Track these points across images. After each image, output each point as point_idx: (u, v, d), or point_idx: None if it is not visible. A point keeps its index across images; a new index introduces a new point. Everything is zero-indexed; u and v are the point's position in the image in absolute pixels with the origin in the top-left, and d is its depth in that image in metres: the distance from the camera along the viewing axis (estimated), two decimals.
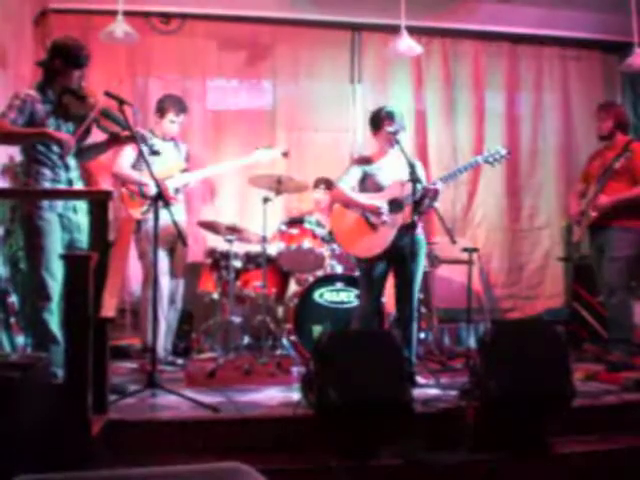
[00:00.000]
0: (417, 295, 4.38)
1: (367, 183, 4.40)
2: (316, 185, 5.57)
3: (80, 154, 3.90)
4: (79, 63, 3.78)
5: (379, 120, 4.38)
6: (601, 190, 4.77)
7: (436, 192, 4.20)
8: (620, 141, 4.86)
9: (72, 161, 3.82)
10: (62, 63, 3.75)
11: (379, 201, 4.29)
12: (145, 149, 3.88)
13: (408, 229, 4.19)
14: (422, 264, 4.39)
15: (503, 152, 4.39)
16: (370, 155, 4.52)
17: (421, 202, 4.20)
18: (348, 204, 4.40)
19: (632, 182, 4.72)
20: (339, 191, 4.40)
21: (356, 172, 4.42)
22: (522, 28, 6.32)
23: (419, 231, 4.32)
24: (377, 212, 4.27)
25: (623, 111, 5.16)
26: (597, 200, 4.77)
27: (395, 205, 4.29)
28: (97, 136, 4.01)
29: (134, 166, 4.75)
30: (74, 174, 3.84)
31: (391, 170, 4.39)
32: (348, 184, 4.39)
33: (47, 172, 3.73)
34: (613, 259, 4.77)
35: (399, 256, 4.27)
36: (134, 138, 3.80)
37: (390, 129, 4.29)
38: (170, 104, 4.89)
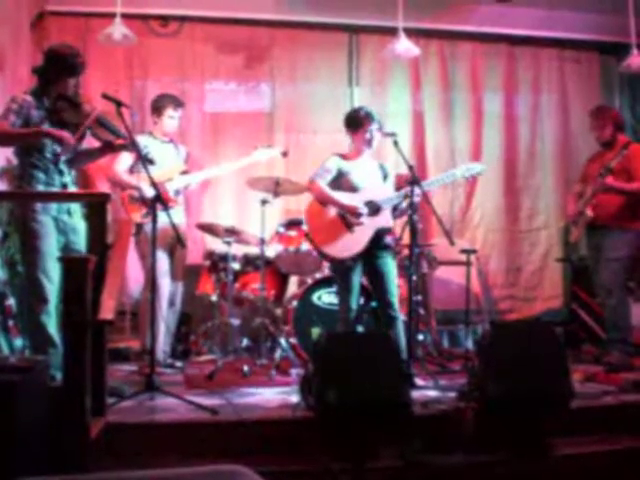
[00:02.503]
0: (396, 291, 4.36)
1: (341, 181, 4.39)
2: None
3: (74, 160, 3.89)
4: (74, 71, 3.78)
5: (359, 120, 4.39)
6: (600, 191, 4.78)
7: (421, 196, 4.24)
8: (620, 142, 4.87)
9: (65, 166, 3.83)
10: (57, 71, 3.74)
11: (358, 202, 4.30)
12: (141, 155, 3.89)
13: (384, 232, 4.30)
14: (393, 261, 4.41)
15: (478, 169, 4.49)
16: (347, 154, 4.52)
17: (397, 207, 4.36)
18: (326, 202, 4.37)
19: (628, 180, 4.74)
20: (318, 187, 4.36)
21: (332, 167, 4.39)
22: (520, 29, 6.33)
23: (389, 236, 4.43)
24: (356, 213, 4.28)
25: (616, 112, 5.22)
26: (603, 181, 4.75)
27: (371, 207, 4.30)
28: (91, 143, 4.02)
29: (132, 169, 4.76)
30: (68, 178, 3.84)
31: (364, 171, 4.42)
32: (325, 180, 4.38)
33: (41, 176, 3.73)
34: (610, 260, 4.78)
35: (372, 256, 4.30)
36: (128, 146, 3.81)
37: (371, 129, 4.34)
38: (166, 101, 4.93)
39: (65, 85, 3.77)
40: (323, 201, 4.38)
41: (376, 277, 4.35)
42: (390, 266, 4.35)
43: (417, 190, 4.17)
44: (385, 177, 4.51)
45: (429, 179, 4.72)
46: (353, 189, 4.36)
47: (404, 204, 4.29)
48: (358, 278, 4.35)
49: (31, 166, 3.73)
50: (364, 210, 4.28)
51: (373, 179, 4.43)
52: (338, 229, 4.31)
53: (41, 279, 3.61)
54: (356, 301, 4.36)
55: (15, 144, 3.87)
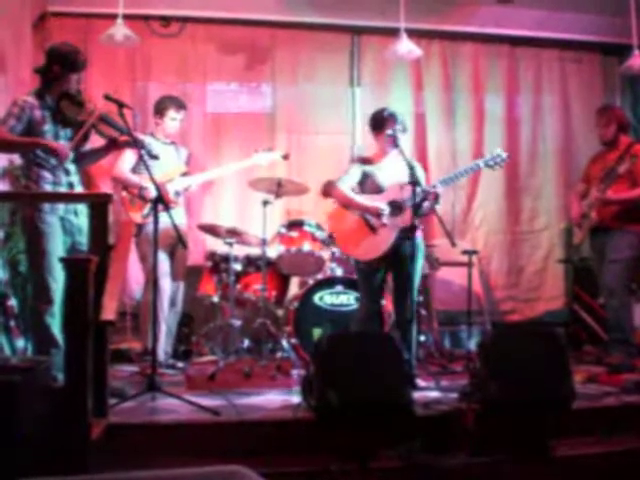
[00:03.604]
0: (416, 298, 4.37)
1: (367, 184, 4.40)
2: None
3: (79, 160, 3.92)
4: (76, 67, 3.82)
5: (382, 121, 4.39)
6: (604, 193, 4.78)
7: (436, 195, 4.21)
8: (623, 143, 4.86)
9: (71, 166, 3.85)
10: (60, 68, 3.79)
11: (379, 203, 4.30)
12: (144, 153, 3.91)
13: (408, 232, 4.19)
14: (420, 267, 4.39)
15: (504, 155, 4.40)
16: (370, 156, 4.53)
17: (421, 205, 4.22)
18: (348, 205, 4.38)
19: (631, 185, 4.73)
20: (339, 191, 4.39)
21: (356, 172, 4.42)
22: (521, 30, 6.32)
23: (418, 234, 4.31)
24: (378, 214, 4.27)
25: (622, 112, 5.18)
26: (603, 195, 4.75)
27: (395, 207, 4.29)
28: (96, 142, 4.03)
29: (134, 169, 4.77)
30: (74, 178, 3.88)
31: (391, 172, 4.39)
32: (348, 184, 4.39)
33: (48, 175, 3.75)
34: (613, 261, 4.78)
35: (398, 259, 4.27)
36: (132, 143, 3.83)
37: (391, 131, 4.30)
38: (169, 102, 4.95)
39: (68, 82, 3.80)
40: (344, 204, 4.39)
41: (400, 279, 4.32)
42: (415, 274, 4.21)
43: (421, 189, 4.15)
44: (413, 175, 4.20)
45: (453, 171, 4.55)
46: (379, 190, 4.36)
47: (427, 204, 4.23)
48: (380, 280, 4.34)
49: (37, 165, 3.75)
50: (385, 210, 4.26)
51: (400, 178, 4.30)
52: (361, 231, 4.32)
53: (47, 280, 3.62)
54: (377, 303, 4.37)
55: (12, 152, 3.90)
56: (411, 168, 4.14)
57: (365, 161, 4.48)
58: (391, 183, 4.35)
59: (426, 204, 4.27)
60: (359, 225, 4.35)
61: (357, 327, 4.36)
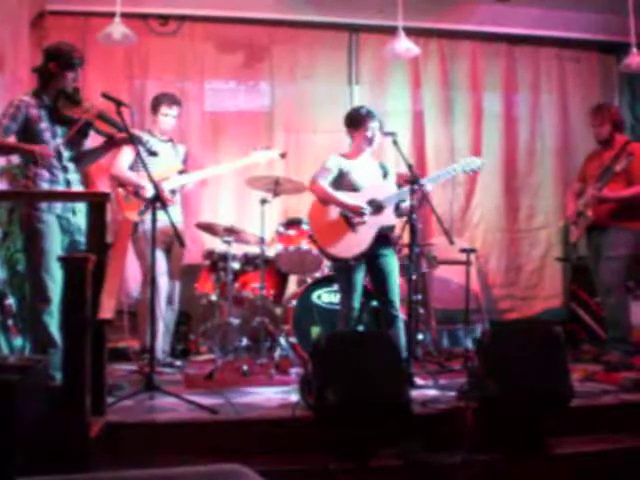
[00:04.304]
0: (398, 290, 4.36)
1: (342, 181, 4.39)
2: None
3: (79, 159, 3.92)
4: (72, 64, 3.84)
5: (360, 119, 4.39)
6: (600, 191, 4.78)
7: (423, 193, 4.25)
8: (618, 142, 4.87)
9: (69, 163, 3.85)
10: (56, 66, 3.81)
11: (360, 202, 4.30)
12: (142, 150, 3.91)
13: (386, 231, 4.30)
14: (395, 259, 4.42)
15: (478, 163, 4.46)
16: (346, 153, 4.52)
17: (399, 205, 4.36)
18: (329, 202, 4.37)
19: (627, 183, 4.74)
20: (320, 187, 4.36)
21: (333, 167, 4.39)
22: (519, 29, 6.33)
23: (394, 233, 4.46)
24: (359, 212, 4.28)
25: (617, 110, 5.19)
26: (599, 193, 4.76)
27: (374, 206, 4.30)
28: (95, 141, 4.03)
29: (132, 167, 4.76)
30: (72, 176, 3.87)
31: (365, 170, 4.43)
32: (327, 180, 4.38)
33: (45, 173, 3.75)
34: (610, 259, 4.79)
35: (375, 255, 4.30)
36: (130, 140, 3.83)
37: (370, 131, 4.35)
38: (161, 99, 4.97)
39: (64, 80, 3.82)
40: (325, 201, 4.38)
41: (379, 276, 4.35)
42: (393, 265, 4.36)
43: (418, 189, 4.18)
44: (385, 175, 4.51)
45: (429, 175, 4.70)
46: (354, 188, 4.36)
47: (406, 202, 4.28)
48: (360, 277, 4.35)
49: (35, 163, 3.74)
50: (367, 209, 4.28)
51: (374, 178, 4.44)
52: (341, 229, 4.32)
53: (45, 279, 3.62)
54: (358, 300, 4.36)
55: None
56: (410, 166, 4.18)
57: (343, 156, 4.48)
58: (369, 182, 4.38)
59: (405, 204, 4.33)
60: (339, 222, 4.33)
61: (344, 326, 4.33)
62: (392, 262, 4.36)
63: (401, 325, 4.27)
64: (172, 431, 3.30)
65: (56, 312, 3.61)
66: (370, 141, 4.39)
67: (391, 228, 4.41)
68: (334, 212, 4.36)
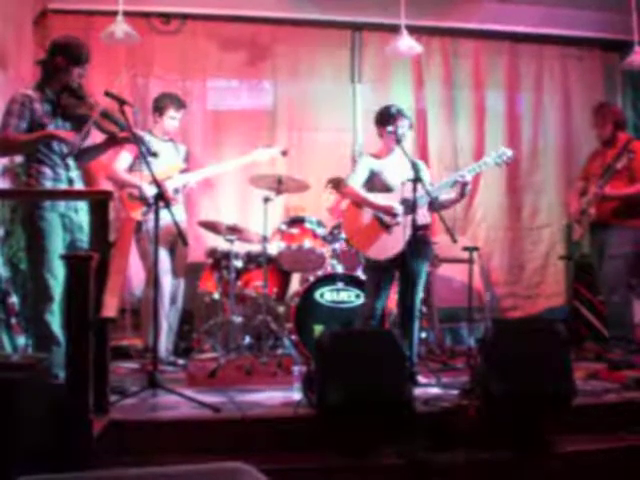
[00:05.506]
0: (420, 294, 4.38)
1: (374, 181, 4.38)
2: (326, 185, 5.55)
3: (79, 156, 3.90)
4: (80, 60, 3.78)
5: (390, 117, 4.36)
6: (602, 189, 4.78)
7: (464, 184, 4.22)
8: (621, 140, 4.86)
9: (71, 161, 3.83)
10: (64, 60, 3.74)
11: (393, 202, 4.28)
12: (143, 150, 3.89)
13: (420, 230, 4.22)
14: (427, 264, 4.41)
15: (509, 153, 4.41)
16: (376, 153, 4.51)
17: (434, 201, 4.24)
18: (362, 203, 4.36)
19: (630, 181, 4.73)
20: (352, 190, 4.36)
21: (364, 169, 4.39)
22: (522, 27, 6.32)
23: (428, 232, 4.38)
24: (392, 213, 4.26)
25: (619, 110, 5.19)
26: (601, 191, 4.76)
27: (407, 206, 4.24)
28: (96, 138, 4.03)
29: (132, 168, 4.77)
30: (75, 173, 3.85)
31: (397, 169, 4.37)
32: (358, 182, 4.37)
33: (48, 171, 3.73)
34: (613, 257, 4.78)
35: (408, 256, 4.27)
36: (131, 139, 3.81)
37: (391, 128, 4.29)
38: (169, 101, 4.93)
39: (70, 75, 3.77)
40: (357, 202, 4.37)
41: (407, 281, 4.29)
42: (423, 272, 4.34)
43: (421, 188, 4.16)
44: (418, 173, 4.24)
45: (462, 170, 4.56)
46: (387, 188, 4.34)
47: (440, 197, 4.27)
48: (390, 280, 4.35)
49: (37, 161, 3.72)
50: (399, 209, 4.25)
51: (406, 176, 4.25)
52: (375, 231, 4.31)
53: (47, 278, 3.61)
54: (381, 305, 4.35)
55: (22, 152, 3.84)
56: (414, 164, 4.15)
57: (373, 156, 4.47)
58: (399, 180, 4.28)
59: (445, 197, 4.30)
60: (373, 224, 4.33)
61: (362, 325, 4.35)
62: (422, 270, 4.33)
63: (417, 327, 4.29)
64: (175, 429, 3.30)
65: (58, 310, 3.61)
66: (399, 140, 4.30)
67: (426, 226, 4.34)
68: (368, 214, 4.34)
